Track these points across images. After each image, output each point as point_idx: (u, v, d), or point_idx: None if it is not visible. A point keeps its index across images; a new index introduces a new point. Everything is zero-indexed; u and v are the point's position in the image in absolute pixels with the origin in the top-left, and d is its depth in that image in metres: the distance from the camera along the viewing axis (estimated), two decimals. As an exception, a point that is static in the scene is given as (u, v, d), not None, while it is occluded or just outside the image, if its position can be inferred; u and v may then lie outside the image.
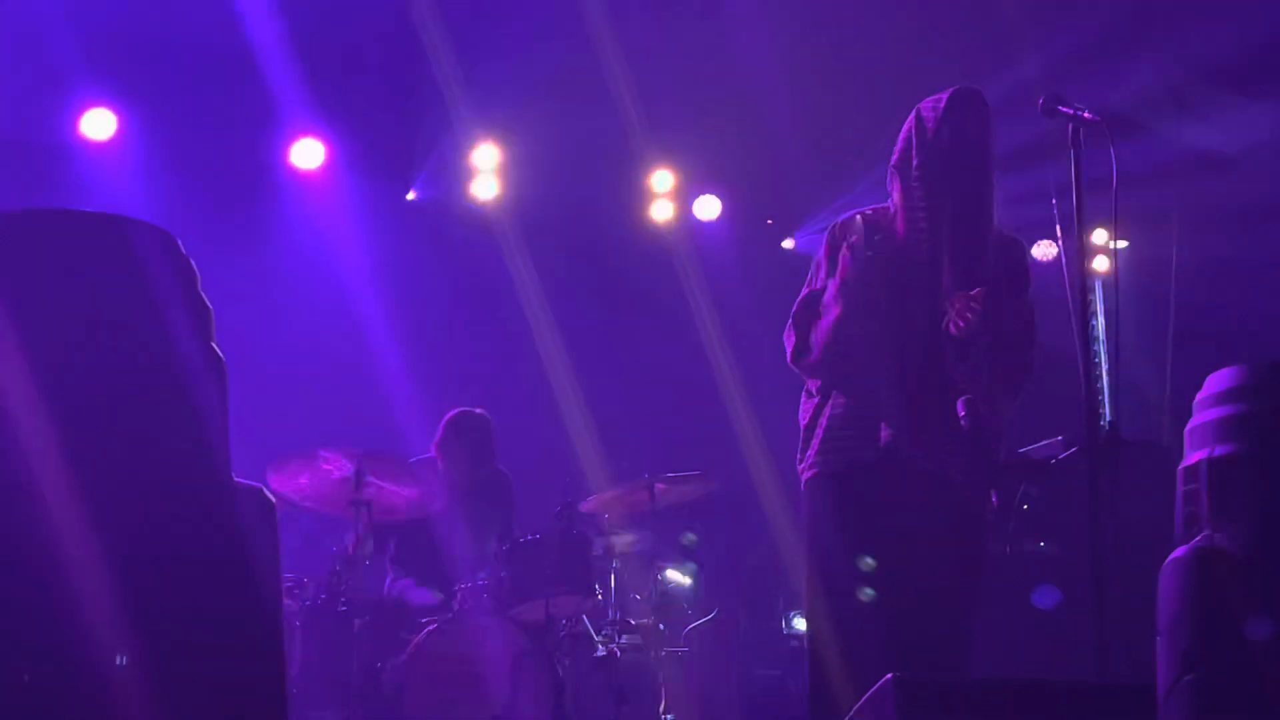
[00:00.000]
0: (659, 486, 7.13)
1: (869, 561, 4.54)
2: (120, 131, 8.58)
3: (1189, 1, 7.88)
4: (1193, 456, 3.41)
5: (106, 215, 2.91)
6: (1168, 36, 8.03)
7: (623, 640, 6.94)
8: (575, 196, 9.50)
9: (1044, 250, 8.75)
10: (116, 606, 2.65)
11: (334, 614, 6.57)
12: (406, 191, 9.65)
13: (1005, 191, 4.75)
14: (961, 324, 4.49)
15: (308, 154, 9.04)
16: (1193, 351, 8.48)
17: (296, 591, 6.62)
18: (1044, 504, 6.55)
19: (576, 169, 9.30)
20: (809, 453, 4.73)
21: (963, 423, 4.57)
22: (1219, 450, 3.30)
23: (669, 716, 6.85)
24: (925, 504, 4.59)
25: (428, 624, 6.58)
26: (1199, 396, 3.56)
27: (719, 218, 9.93)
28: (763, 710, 7.93)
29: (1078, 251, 4.49)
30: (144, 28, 8.07)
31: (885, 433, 4.59)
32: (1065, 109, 4.47)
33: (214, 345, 2.87)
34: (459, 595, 6.73)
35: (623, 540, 7.13)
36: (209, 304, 2.90)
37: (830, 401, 4.70)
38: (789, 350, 4.77)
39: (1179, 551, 3.34)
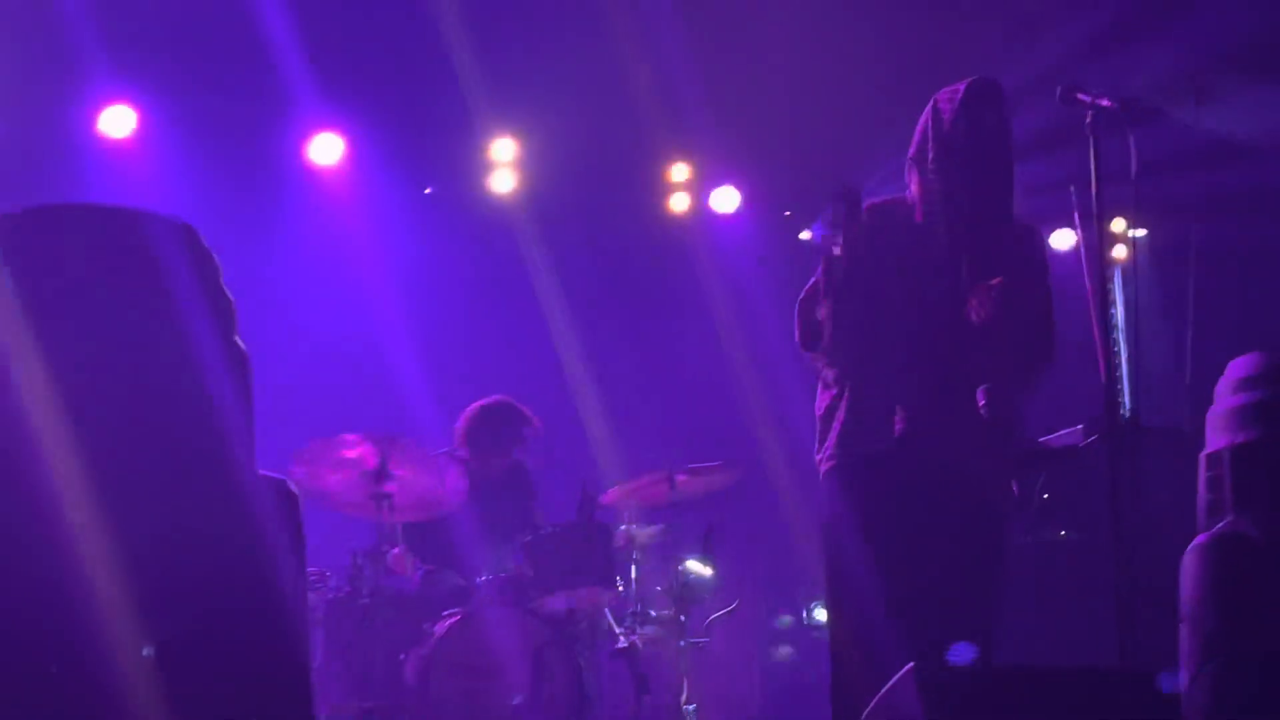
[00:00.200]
0: (679, 478, 7.13)
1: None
2: (139, 128, 8.60)
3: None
4: (1215, 443, 3.41)
5: (125, 209, 2.92)
6: (1185, 22, 8.00)
7: (644, 631, 6.94)
8: (592, 189, 9.50)
9: (1063, 239, 8.74)
10: (141, 599, 2.66)
11: (356, 606, 6.59)
12: (424, 185, 9.66)
13: (1023, 180, 4.74)
14: (980, 313, 4.49)
15: (326, 149, 9.06)
16: (1213, 338, 8.45)
17: (318, 584, 6.64)
18: (1065, 493, 6.54)
19: (593, 162, 9.29)
20: (826, 444, 4.73)
21: (982, 412, 4.57)
22: (1242, 436, 3.31)
23: (690, 707, 6.85)
24: (942, 494, 4.59)
25: (449, 616, 6.60)
26: (1221, 383, 3.56)
27: (737, 209, 9.91)
28: (783, 701, 7.94)
29: (1097, 240, 4.48)
30: (162, 24, 8.09)
31: (901, 423, 4.59)
32: (1083, 96, 4.47)
33: (237, 338, 2.88)
34: (480, 587, 6.74)
35: (643, 532, 7.13)
36: (231, 297, 2.91)
37: (846, 393, 4.70)
38: (797, 339, 4.78)
39: (1202, 538, 3.34)
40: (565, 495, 7.27)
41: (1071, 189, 4.88)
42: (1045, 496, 6.57)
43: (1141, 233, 8.58)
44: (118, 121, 8.56)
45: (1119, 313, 6.55)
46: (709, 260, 9.72)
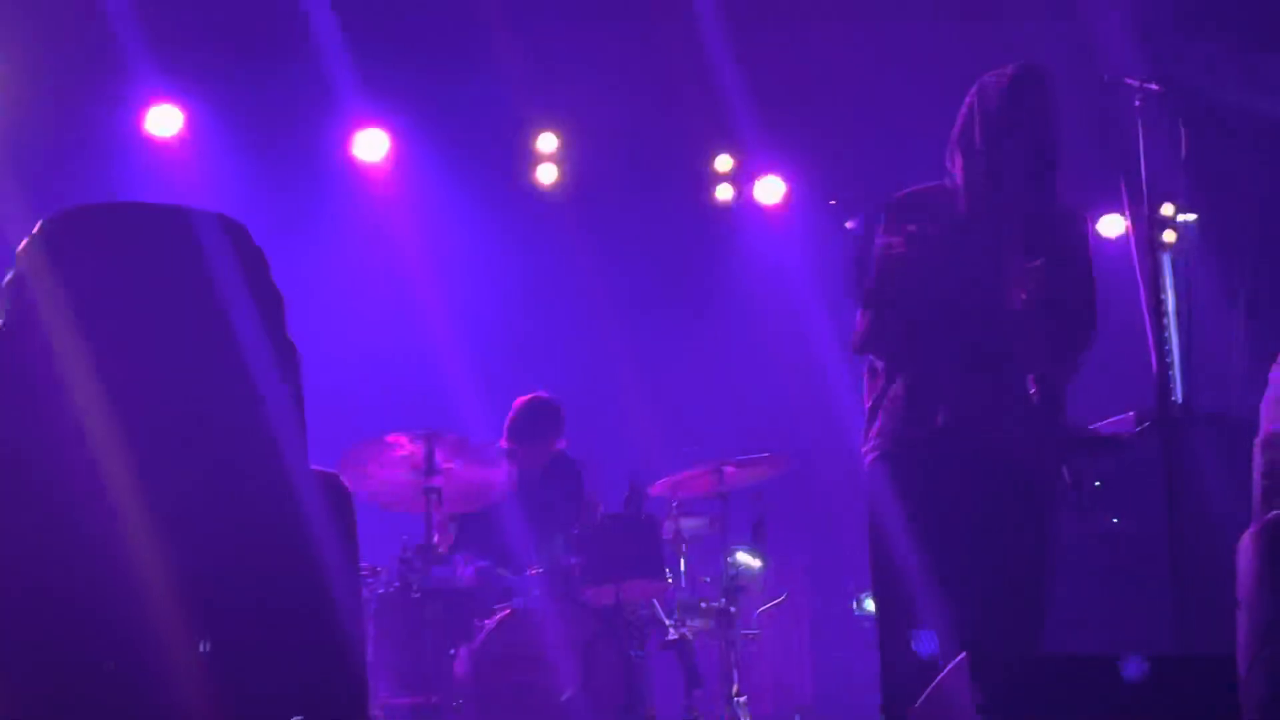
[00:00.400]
0: (727, 469, 7.12)
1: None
2: (186, 127, 8.65)
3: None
4: (1270, 428, 3.38)
5: (172, 207, 2.93)
6: (1235, 4, 7.93)
7: (693, 623, 6.94)
8: (636, 181, 9.49)
9: (1112, 226, 8.67)
10: (197, 595, 2.68)
11: (406, 601, 6.61)
12: (468, 180, 9.67)
13: (1070, 166, 4.70)
14: (1023, 297, 4.47)
15: (371, 145, 9.10)
16: (1267, 323, 8.37)
17: (369, 579, 6.66)
18: (1118, 480, 6.49)
19: (637, 154, 9.29)
20: (871, 434, 4.72)
21: (1034, 399, 4.54)
22: (1297, 421, 3.27)
23: (741, 699, 6.83)
24: (987, 482, 4.56)
25: (499, 610, 6.61)
26: (1275, 369, 3.53)
27: (782, 199, 9.89)
28: (834, 691, 7.92)
29: (1146, 225, 4.44)
30: (206, 23, 8.14)
31: (945, 412, 4.57)
32: (1131, 81, 4.43)
33: (285, 334, 2.89)
34: (529, 581, 6.75)
35: (692, 523, 7.12)
36: (280, 292, 2.92)
37: (891, 382, 4.69)
38: (856, 332, 4.76)
39: (1257, 524, 3.31)
40: (613, 488, 7.27)
41: (1120, 174, 4.84)
42: (1097, 484, 6.52)
43: (1191, 217, 8.50)
44: (164, 120, 8.62)
45: (1170, 299, 6.50)
46: (754, 250, 9.70)
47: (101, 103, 8.46)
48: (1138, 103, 4.42)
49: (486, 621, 6.57)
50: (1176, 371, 5.59)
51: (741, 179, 9.82)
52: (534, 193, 9.50)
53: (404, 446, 6.70)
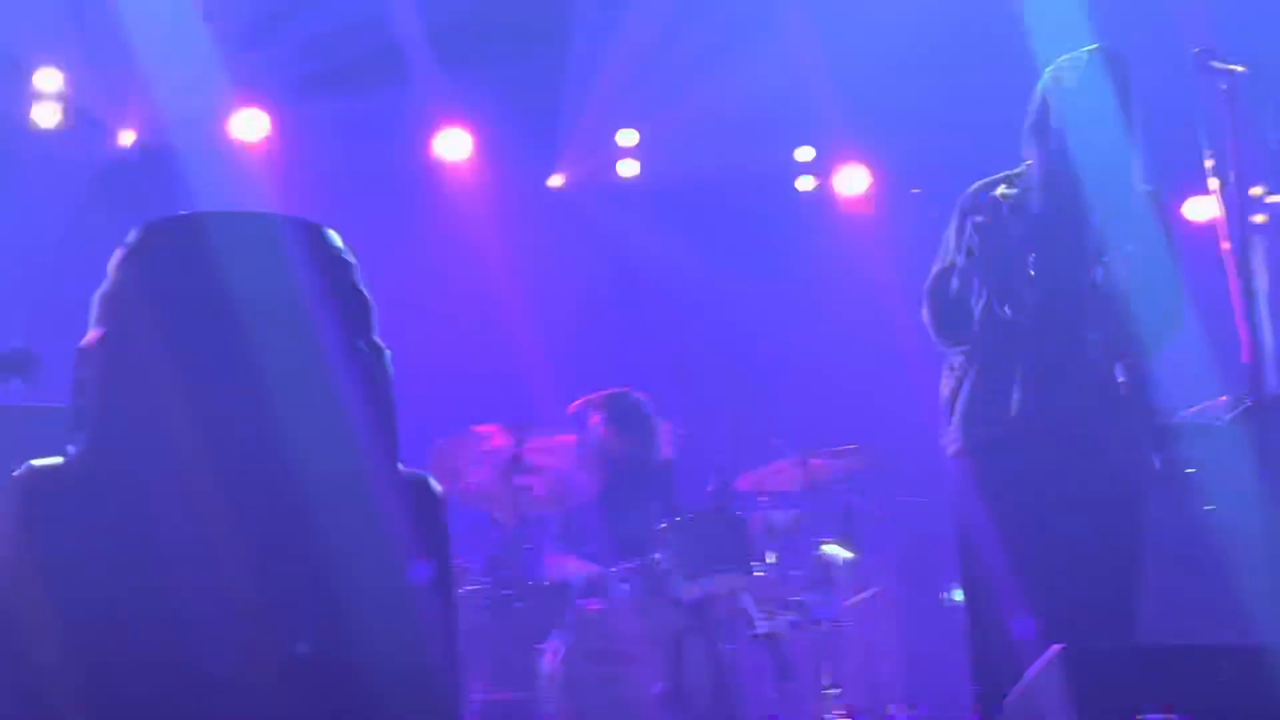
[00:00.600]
0: (815, 461, 7.10)
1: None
2: (273, 131, 8.76)
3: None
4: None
5: (258, 214, 2.97)
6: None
7: (783, 617, 6.92)
8: (718, 173, 9.48)
9: (1199, 208, 8.54)
10: (293, 597, 2.71)
11: (495, 597, 6.65)
12: (549, 177, 9.71)
13: (1155, 148, 4.65)
14: (1109, 285, 4.43)
15: (453, 144, 9.17)
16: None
17: (457, 575, 6.71)
18: (1212, 467, 6.40)
19: (718, 145, 9.27)
20: (951, 427, 4.69)
21: (1122, 389, 4.50)
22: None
23: (832, 691, 6.82)
24: (1075, 475, 4.52)
25: (587, 605, 6.63)
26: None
27: (864, 189, 9.84)
28: (926, 684, 7.86)
29: (1235, 207, 4.38)
30: (290, 26, 8.23)
31: (1026, 404, 4.53)
32: (1218, 63, 4.37)
33: (374, 336, 2.91)
34: (619, 576, 6.77)
35: (779, 516, 7.10)
36: (368, 295, 2.94)
37: (969, 374, 4.65)
38: (929, 326, 4.74)
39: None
40: (699, 482, 7.27)
41: (1207, 155, 4.77)
42: (1190, 471, 6.44)
43: (1282, 198, 8.34)
44: (250, 125, 8.73)
45: (1262, 280, 6.38)
46: (836, 241, 9.66)
47: (191, 108, 8.58)
48: (1223, 85, 4.36)
49: (574, 617, 6.60)
50: (1269, 356, 5.49)
51: (823, 169, 9.78)
52: (616, 188, 9.52)
53: (493, 440, 6.73)
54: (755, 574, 6.88)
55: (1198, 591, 6.10)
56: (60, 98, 8.42)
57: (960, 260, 4.62)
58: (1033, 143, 4.66)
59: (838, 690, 6.86)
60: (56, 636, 2.64)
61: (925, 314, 4.76)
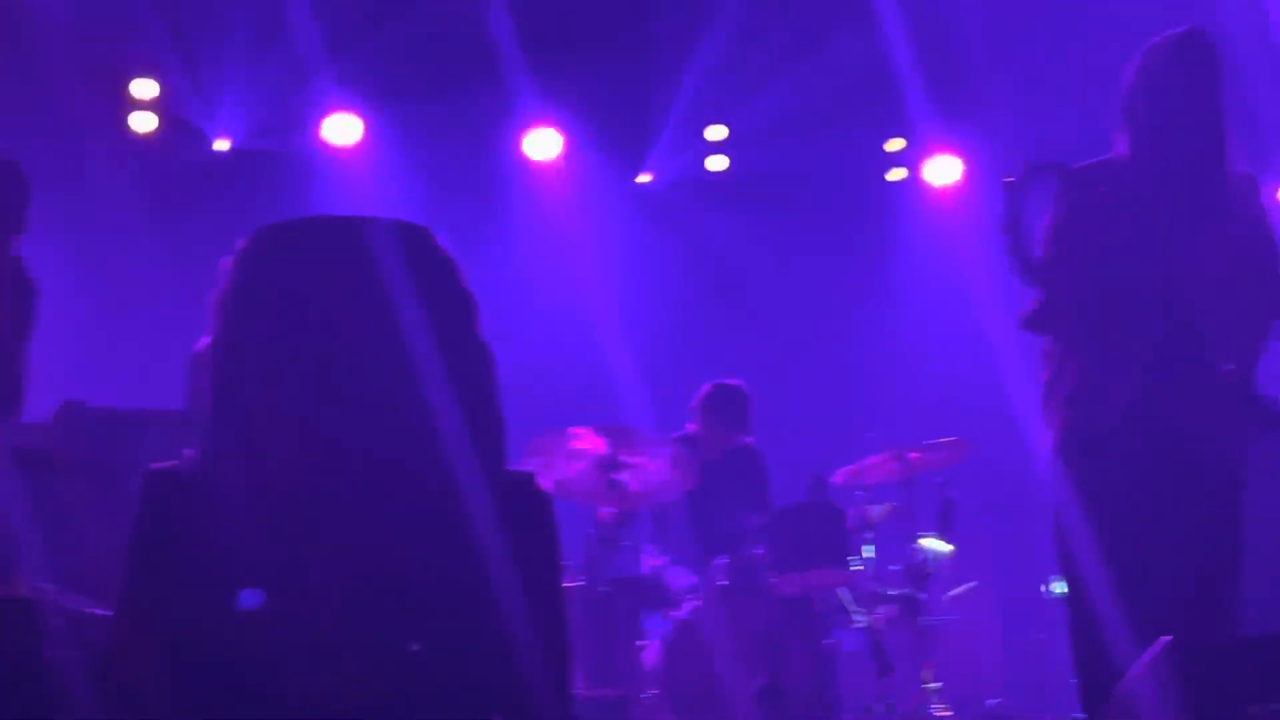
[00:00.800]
0: (911, 455, 7.07)
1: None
2: (365, 135, 8.84)
3: None
4: None
5: (362, 218, 3.00)
6: None
7: (882, 611, 6.90)
8: (806, 166, 9.46)
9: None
10: (403, 596, 2.74)
11: (593, 595, 6.68)
12: (637, 174, 9.73)
13: (1246, 130, 4.58)
14: (1209, 271, 4.37)
15: (543, 144, 9.21)
16: None
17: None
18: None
19: (809, 138, 9.25)
20: (1049, 420, 4.65)
21: (1225, 376, 4.44)
22: None
23: (933, 685, 6.79)
24: (1173, 466, 4.46)
25: (687, 601, 6.64)
26: None
27: (957, 179, 9.77)
28: (1028, 678, 7.81)
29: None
30: (381, 29, 8.30)
31: (1125, 398, 4.47)
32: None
33: (478, 336, 2.94)
34: (716, 571, 6.77)
35: (876, 510, 7.08)
36: (470, 294, 2.97)
37: (1066, 365, 4.61)
38: (1024, 315, 4.69)
39: None
40: (795, 477, 7.26)
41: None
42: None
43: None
44: (342, 129, 8.82)
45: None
46: (928, 232, 9.61)
47: (284, 113, 8.68)
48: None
49: (674, 613, 6.62)
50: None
51: (914, 160, 9.73)
52: (705, 183, 9.52)
53: (587, 440, 6.76)
54: (853, 568, 6.87)
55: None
56: (156, 105, 8.55)
57: (1055, 247, 4.58)
58: (1125, 126, 4.60)
59: (938, 684, 6.83)
60: (178, 636, 2.69)
61: (1021, 303, 4.72)
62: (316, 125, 8.84)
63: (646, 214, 9.64)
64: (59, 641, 2.99)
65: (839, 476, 7.19)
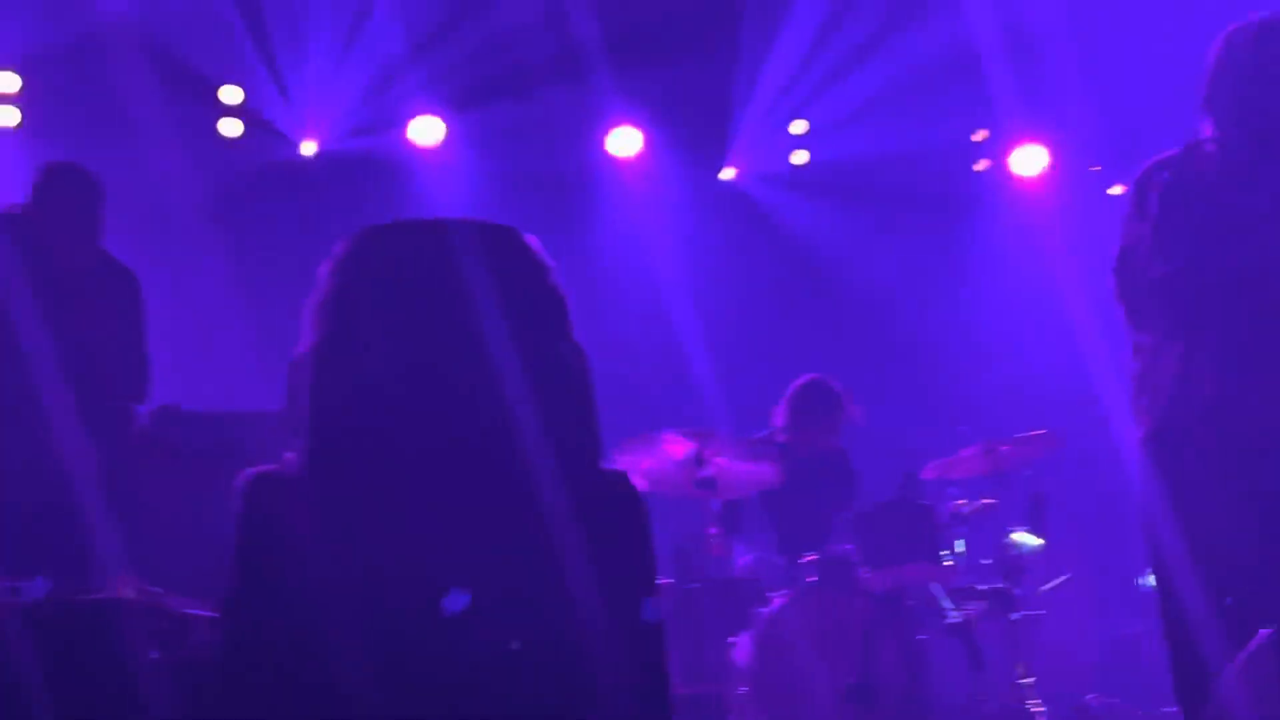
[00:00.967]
0: (1002, 449, 7.01)
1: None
2: (447, 136, 8.90)
3: None
4: None
5: (457, 220, 3.01)
6: None
7: (974, 606, 6.85)
8: (891, 158, 9.40)
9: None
10: (503, 596, 2.75)
11: (683, 592, 6.68)
12: (720, 169, 9.72)
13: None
14: None
15: (625, 142, 9.23)
16: None
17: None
18: None
19: (890, 129, 9.20)
20: (1138, 410, 4.59)
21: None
22: None
23: (1027, 680, 6.73)
24: (1261, 456, 4.39)
25: (776, 598, 6.62)
26: None
27: (1040, 169, 9.68)
28: (1124, 670, 7.73)
29: None
30: (463, 29, 8.36)
31: (1213, 387, 4.41)
32: None
33: (571, 337, 2.95)
34: (806, 568, 6.75)
35: (967, 505, 7.03)
36: (564, 297, 2.98)
37: (1157, 355, 4.55)
38: (1115, 305, 4.65)
39: None
40: (885, 472, 7.23)
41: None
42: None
43: None
44: (426, 131, 8.89)
45: None
46: (1015, 222, 9.52)
47: (371, 116, 8.76)
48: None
49: (764, 610, 6.60)
50: None
51: (1000, 150, 9.65)
52: (790, 178, 9.50)
53: (675, 440, 6.77)
54: (944, 563, 6.83)
55: None
56: (243, 111, 8.66)
57: (1143, 237, 4.52)
58: (1207, 115, 4.54)
59: (1031, 679, 6.77)
60: (282, 639, 2.72)
61: (1110, 293, 4.67)
62: (401, 128, 8.91)
63: (730, 210, 9.62)
64: (164, 643, 3.04)
65: (930, 471, 7.15)
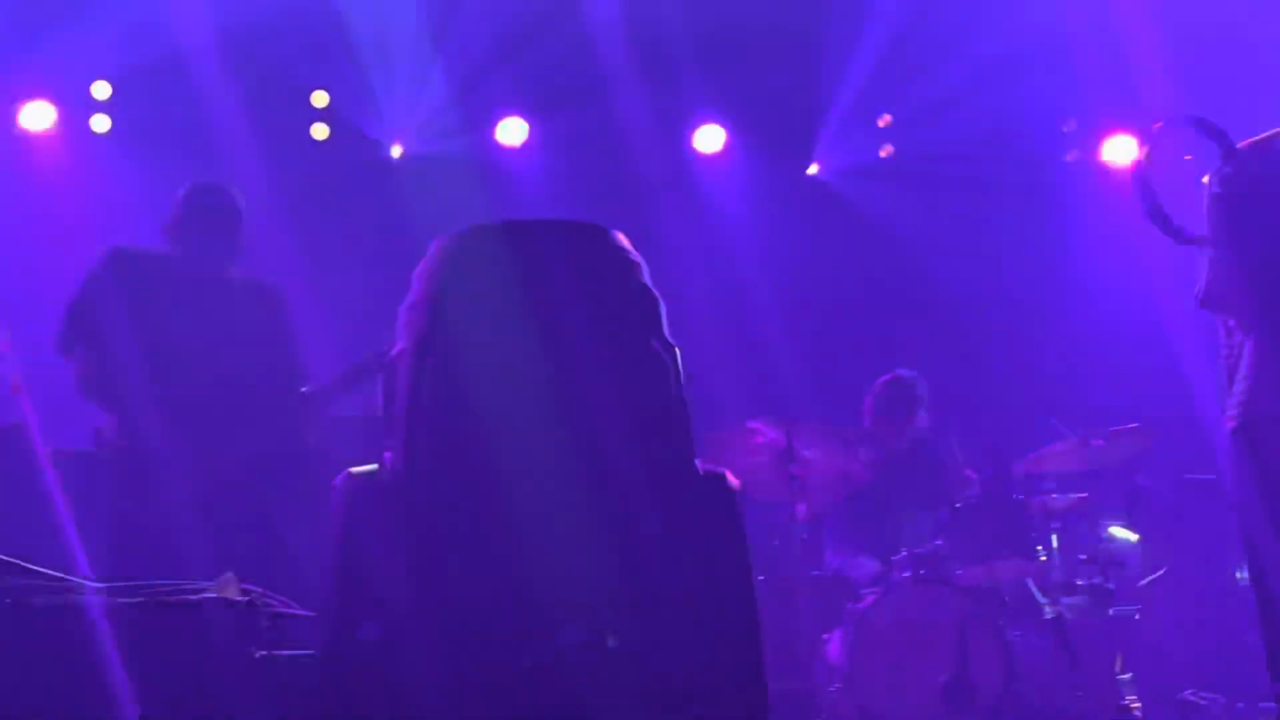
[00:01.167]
0: (1095, 442, 6.94)
1: None
2: (531, 136, 8.94)
3: None
4: None
5: (550, 220, 3.02)
6: None
7: (1070, 602, 6.78)
8: (979, 149, 9.31)
9: None
10: (601, 593, 2.76)
11: (776, 588, 6.66)
12: (804, 167, 9.67)
13: None
14: None
15: (710, 139, 9.22)
16: None
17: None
18: None
19: (978, 121, 9.10)
20: (1228, 401, 4.52)
21: None
22: None
23: (1125, 676, 6.65)
24: None
25: (869, 594, 6.59)
26: None
27: (1133, 158, 9.55)
28: (1224, 665, 7.61)
29: None
30: (546, 31, 8.37)
31: None
32: None
33: (664, 334, 2.94)
34: (898, 564, 6.71)
35: (1061, 500, 6.96)
36: (656, 295, 2.98)
37: (1247, 345, 4.47)
38: (1202, 295, 4.57)
39: None
40: (977, 466, 7.16)
41: None
42: None
43: None
44: (512, 131, 8.93)
45: None
46: (1105, 213, 9.40)
47: (455, 117, 8.81)
48: None
49: (857, 606, 6.57)
50: None
51: (1089, 140, 9.53)
52: (876, 171, 9.43)
53: (764, 434, 6.75)
54: (1039, 558, 6.76)
55: None
56: (330, 115, 8.74)
57: (1229, 224, 4.45)
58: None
59: (1129, 675, 6.69)
60: (377, 638, 2.74)
61: (1199, 284, 4.60)
62: (485, 129, 8.95)
63: (814, 204, 9.58)
64: (268, 642, 3.07)
65: (1022, 465, 7.08)
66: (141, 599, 3.04)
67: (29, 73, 8.19)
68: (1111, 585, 6.78)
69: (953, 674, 6.33)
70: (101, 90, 8.35)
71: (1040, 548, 6.79)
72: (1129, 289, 8.93)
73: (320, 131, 8.72)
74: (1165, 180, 4.47)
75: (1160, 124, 4.36)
